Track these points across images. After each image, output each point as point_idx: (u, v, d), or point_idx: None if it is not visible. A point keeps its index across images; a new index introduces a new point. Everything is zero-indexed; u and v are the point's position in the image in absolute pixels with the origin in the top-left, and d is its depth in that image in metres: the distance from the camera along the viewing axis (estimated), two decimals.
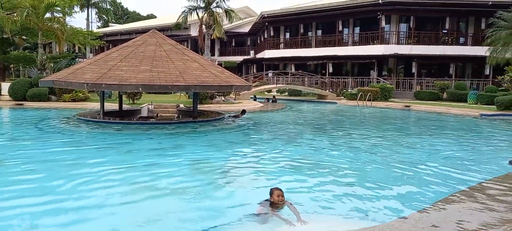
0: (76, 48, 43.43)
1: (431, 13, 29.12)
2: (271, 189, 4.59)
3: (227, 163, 7.64)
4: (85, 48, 41.05)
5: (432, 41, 29.14)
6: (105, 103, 14.18)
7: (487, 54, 23.27)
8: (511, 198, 5.13)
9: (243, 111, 15.34)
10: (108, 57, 12.43)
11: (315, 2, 34.69)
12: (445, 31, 30.13)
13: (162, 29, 38.71)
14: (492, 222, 4.17)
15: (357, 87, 28.05)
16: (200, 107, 16.98)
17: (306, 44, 34.40)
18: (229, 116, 15.02)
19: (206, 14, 30.08)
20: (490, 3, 26.75)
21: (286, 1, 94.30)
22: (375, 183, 6.02)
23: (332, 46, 31.84)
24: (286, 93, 31.68)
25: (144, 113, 15.33)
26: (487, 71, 28.34)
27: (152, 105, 16.27)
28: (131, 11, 80.00)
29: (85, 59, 26.58)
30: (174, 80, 11.22)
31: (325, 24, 33.87)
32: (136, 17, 75.43)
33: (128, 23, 65.06)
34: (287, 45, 36.03)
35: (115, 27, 55.49)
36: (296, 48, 34.55)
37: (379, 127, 14.54)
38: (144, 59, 12.13)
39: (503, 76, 22.27)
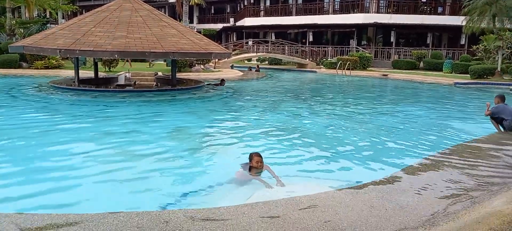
0: (47, 13, 41.51)
1: None
2: (250, 154, 4.65)
3: (207, 129, 7.65)
4: (56, 13, 39.24)
5: (411, 10, 29.36)
6: (80, 71, 13.78)
7: (464, 23, 23.66)
8: (479, 163, 5.38)
9: (222, 81, 15.22)
10: (81, 22, 11.97)
11: None
12: (424, 0, 30.34)
13: None
14: (458, 187, 4.38)
15: (336, 56, 28.18)
16: (179, 75, 16.74)
17: (287, 12, 34.02)
18: (209, 84, 14.90)
19: None
20: None
21: None
22: (351, 148, 6.19)
23: (313, 15, 31.64)
24: (266, 62, 31.56)
25: (121, 81, 15.00)
26: (462, 41, 28.92)
27: (129, 73, 15.93)
28: None
29: (57, 25, 25.49)
30: (152, 47, 10.96)
31: None
32: None
33: None
34: (268, 13, 35.55)
35: None
36: (277, 16, 34.16)
37: (357, 95, 14.78)
38: (120, 24, 11.75)
39: (477, 46, 22.79)
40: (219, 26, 41.56)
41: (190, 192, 4.21)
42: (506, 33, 20.93)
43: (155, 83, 15.06)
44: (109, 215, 3.04)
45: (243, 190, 4.19)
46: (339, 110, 10.32)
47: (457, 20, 26.37)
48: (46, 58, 18.10)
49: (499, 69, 19.49)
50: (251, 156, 4.59)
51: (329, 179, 4.76)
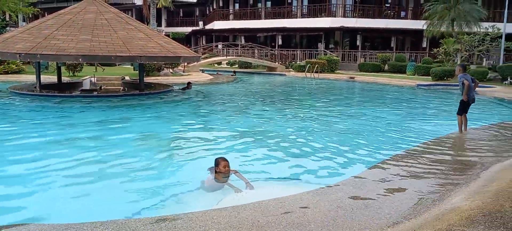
0: (7, 15, 39.58)
1: None
2: (216, 159, 4.60)
3: (176, 135, 7.55)
4: (16, 16, 37.54)
5: (376, 15, 30.30)
6: (43, 76, 13.26)
7: (425, 27, 24.71)
8: (444, 158, 5.63)
9: (189, 84, 15.03)
10: (42, 26, 11.53)
11: None
12: (388, 5, 31.42)
13: None
14: (420, 185, 4.57)
15: (305, 59, 28.63)
16: (147, 79, 16.44)
17: (256, 16, 34.23)
18: (178, 89, 14.72)
19: None
20: None
21: None
22: (319, 149, 6.30)
23: (282, 18, 32.00)
24: (236, 66, 31.58)
25: (86, 86, 14.53)
26: (424, 44, 30.14)
27: (95, 78, 15.46)
28: None
29: (17, 28, 24.37)
30: (118, 51, 10.72)
31: None
32: None
33: None
34: (237, 17, 35.62)
35: None
36: (246, 19, 34.29)
37: (325, 97, 15.07)
38: (84, 27, 11.42)
39: (438, 49, 23.84)
40: (188, 29, 41.19)
41: (159, 199, 4.14)
42: (464, 36, 22.04)
43: (122, 88, 14.70)
44: (72, 226, 2.94)
45: (213, 195, 4.17)
46: (308, 113, 10.49)
47: (418, 24, 27.47)
48: (6, 63, 17.26)
49: None
50: (217, 161, 4.56)
51: (298, 181, 4.83)
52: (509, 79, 17.50)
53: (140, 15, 35.72)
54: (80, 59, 11.00)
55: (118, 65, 22.17)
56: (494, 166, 5.06)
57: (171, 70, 21.08)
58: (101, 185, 4.54)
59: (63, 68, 16.27)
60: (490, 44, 22.16)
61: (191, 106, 11.47)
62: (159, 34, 14.82)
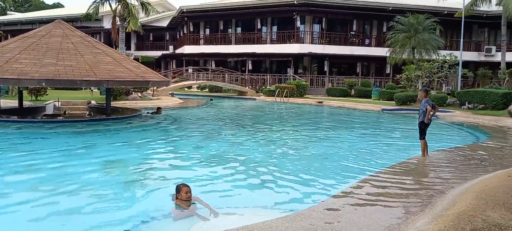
0: None
1: (340, 16, 31.32)
2: (178, 186, 4.51)
3: (142, 161, 7.36)
4: None
5: (342, 42, 31.43)
6: (2, 100, 12.67)
7: (388, 54, 25.87)
8: (407, 185, 5.80)
9: (159, 109, 14.86)
10: (4, 49, 11.12)
11: (235, 0, 35.05)
12: (353, 32, 32.71)
13: (71, 20, 35.76)
14: (387, 209, 4.67)
15: (275, 84, 29.04)
16: (115, 104, 16.09)
17: (226, 41, 34.59)
18: (148, 113, 14.48)
19: (119, 6, 28.37)
20: (390, 8, 29.69)
21: None
22: (288, 174, 6.33)
23: (252, 44, 32.51)
24: (207, 90, 31.57)
25: (50, 111, 14.02)
26: (388, 70, 31.41)
27: (59, 102, 14.95)
28: None
29: None
30: (84, 75, 10.47)
31: (244, 22, 34.43)
32: (40, 5, 68.23)
33: (30, 12, 58.67)
34: (207, 41, 35.84)
35: (15, 15, 49.70)
36: (217, 44, 34.56)
37: (294, 122, 15.27)
38: (48, 51, 11.11)
39: (400, 75, 24.92)
40: (158, 53, 40.93)
41: (124, 228, 3.99)
42: (425, 63, 23.21)
43: (87, 112, 14.28)
44: None
45: (179, 224, 4.07)
46: (277, 138, 10.57)
47: (382, 51, 28.72)
48: None
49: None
50: (179, 187, 4.47)
51: (267, 207, 4.81)
52: (467, 104, 18.47)
53: (109, 38, 35.17)
54: (44, 84, 10.65)
55: (92, 90, 21.62)
56: (455, 189, 5.26)
57: (139, 94, 20.76)
58: (61, 216, 4.33)
59: (25, 92, 15.66)
60: (448, 71, 23.43)
61: (160, 131, 11.29)
62: (128, 58, 14.64)
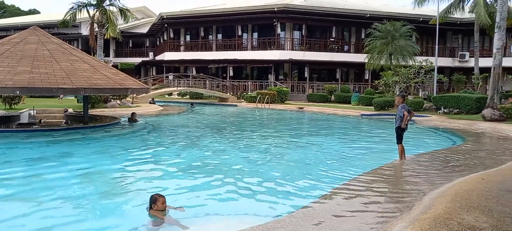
0: None
1: (320, 23, 31.79)
2: (153, 197, 4.46)
3: (120, 171, 7.22)
4: None
5: (322, 48, 31.87)
6: None
7: (366, 61, 26.36)
8: (385, 189, 5.89)
9: (133, 115, 14.57)
10: None
11: (215, 6, 35.09)
12: (332, 39, 33.21)
13: (47, 26, 35.01)
14: (366, 214, 4.72)
15: (256, 90, 29.12)
16: (92, 111, 15.77)
17: (207, 48, 34.51)
18: (125, 120, 14.23)
19: (98, 12, 27.91)
20: (368, 15, 30.32)
21: (187, 3, 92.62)
22: (267, 181, 6.32)
23: (233, 50, 32.54)
24: (188, 97, 31.35)
25: (25, 119, 13.61)
26: (366, 76, 32.00)
27: (35, 111, 14.54)
28: (9, 4, 70.32)
29: None
30: (60, 83, 10.22)
31: (225, 28, 34.46)
32: (16, 11, 66.49)
33: (5, 18, 57.03)
34: (188, 48, 35.66)
35: None
36: (197, 51, 34.43)
37: (275, 128, 15.33)
38: (23, 58, 10.81)
39: (379, 81, 25.41)
40: (138, 60, 40.45)
41: None
42: (402, 69, 23.75)
43: (64, 121, 13.94)
44: None
45: None
46: (257, 144, 10.57)
47: (360, 58, 29.24)
48: None
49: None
50: (154, 198, 4.41)
51: (247, 214, 4.79)
52: (442, 108, 18.97)
53: (87, 45, 34.53)
54: (18, 92, 10.35)
55: (61, 98, 21.06)
56: (431, 193, 5.37)
57: (118, 101, 20.42)
58: (36, 228, 4.19)
59: None
60: (425, 77, 24.05)
61: (139, 139, 11.12)
62: (106, 65, 14.40)
